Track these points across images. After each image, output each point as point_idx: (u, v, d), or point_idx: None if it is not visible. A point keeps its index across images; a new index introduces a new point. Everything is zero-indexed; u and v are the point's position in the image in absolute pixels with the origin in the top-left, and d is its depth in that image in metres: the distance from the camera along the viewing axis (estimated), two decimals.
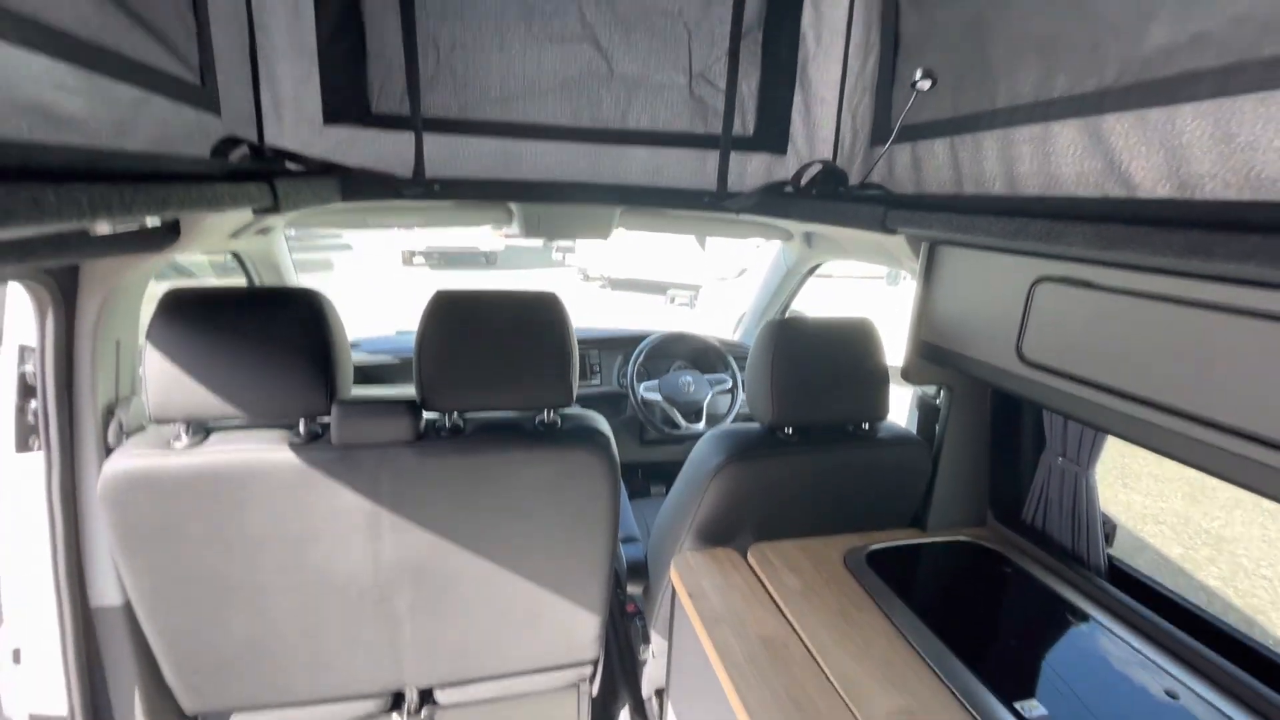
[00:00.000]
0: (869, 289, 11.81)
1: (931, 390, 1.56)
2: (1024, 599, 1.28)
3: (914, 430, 1.60)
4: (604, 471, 1.25)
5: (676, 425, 2.30)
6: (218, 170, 0.80)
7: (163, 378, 1.05)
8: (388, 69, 1.36)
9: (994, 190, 1.15)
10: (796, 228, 2.04)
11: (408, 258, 12.61)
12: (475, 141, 1.45)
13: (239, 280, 2.05)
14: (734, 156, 1.57)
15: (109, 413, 1.18)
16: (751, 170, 1.65)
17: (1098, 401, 0.90)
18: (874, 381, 1.39)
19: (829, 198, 1.36)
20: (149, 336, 1.05)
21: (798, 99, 1.61)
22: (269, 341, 1.08)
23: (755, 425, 1.43)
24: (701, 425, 2.31)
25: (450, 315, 1.18)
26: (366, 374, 2.38)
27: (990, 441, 1.51)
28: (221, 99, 1.16)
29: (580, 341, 2.41)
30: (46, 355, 1.10)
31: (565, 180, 1.51)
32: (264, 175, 0.88)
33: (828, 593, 1.26)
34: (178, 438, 1.11)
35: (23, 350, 1.09)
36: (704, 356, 2.56)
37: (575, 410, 1.34)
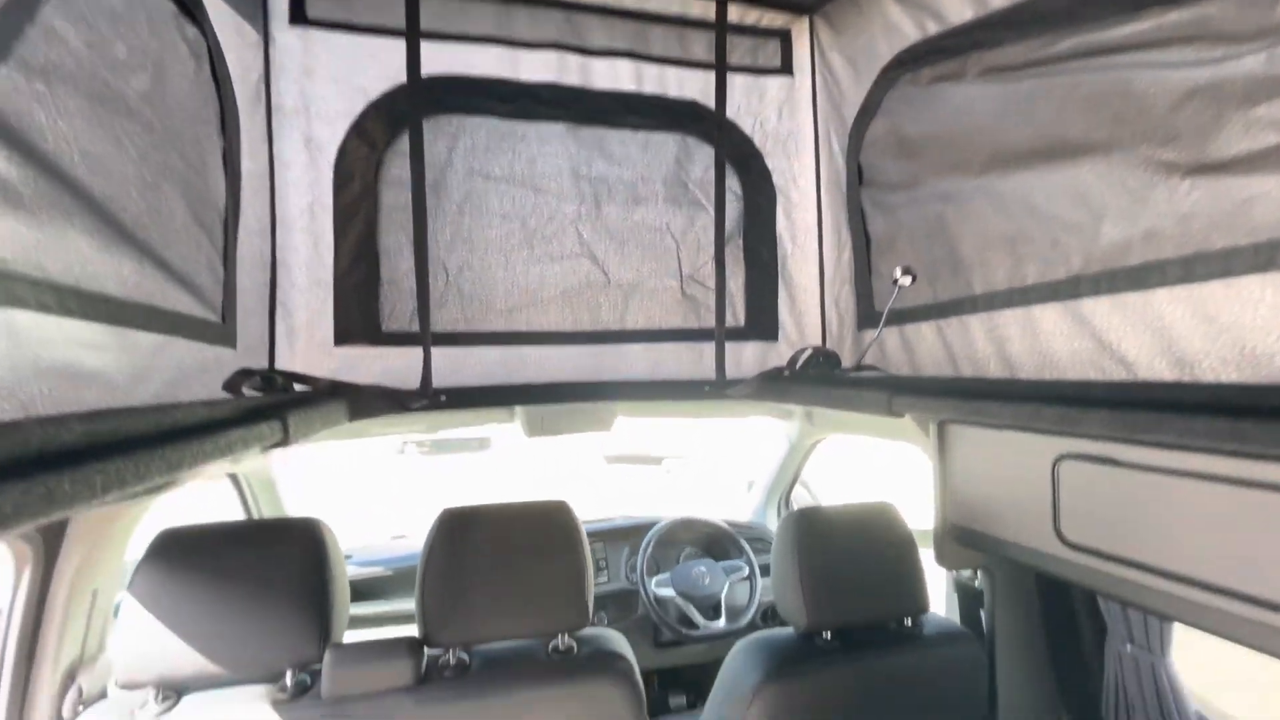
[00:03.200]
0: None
1: (967, 573, 1.46)
2: None
3: (955, 618, 1.47)
4: (628, 705, 1.10)
5: (694, 625, 2.11)
6: (230, 414, 0.80)
7: (138, 634, 0.95)
8: (399, 292, 1.45)
9: (990, 369, 1.18)
10: (797, 406, 2.07)
11: (400, 446, 12.59)
12: (480, 351, 1.50)
13: None
14: (729, 346, 1.63)
15: (69, 677, 1.05)
16: (746, 358, 1.72)
17: (1144, 583, 0.85)
18: (908, 572, 1.30)
19: (827, 381, 1.39)
20: (131, 587, 0.97)
21: (782, 291, 1.73)
22: (264, 584, 1.00)
23: (789, 631, 1.30)
24: (721, 623, 2.12)
25: (457, 536, 1.12)
26: (359, 590, 2.21)
27: (1045, 630, 1.38)
28: (238, 332, 1.21)
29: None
30: (15, 617, 1.00)
31: (567, 381, 1.55)
32: (275, 411, 0.88)
33: None
34: (144, 705, 0.97)
35: None
36: (716, 542, 2.43)
37: (591, 631, 1.23)
